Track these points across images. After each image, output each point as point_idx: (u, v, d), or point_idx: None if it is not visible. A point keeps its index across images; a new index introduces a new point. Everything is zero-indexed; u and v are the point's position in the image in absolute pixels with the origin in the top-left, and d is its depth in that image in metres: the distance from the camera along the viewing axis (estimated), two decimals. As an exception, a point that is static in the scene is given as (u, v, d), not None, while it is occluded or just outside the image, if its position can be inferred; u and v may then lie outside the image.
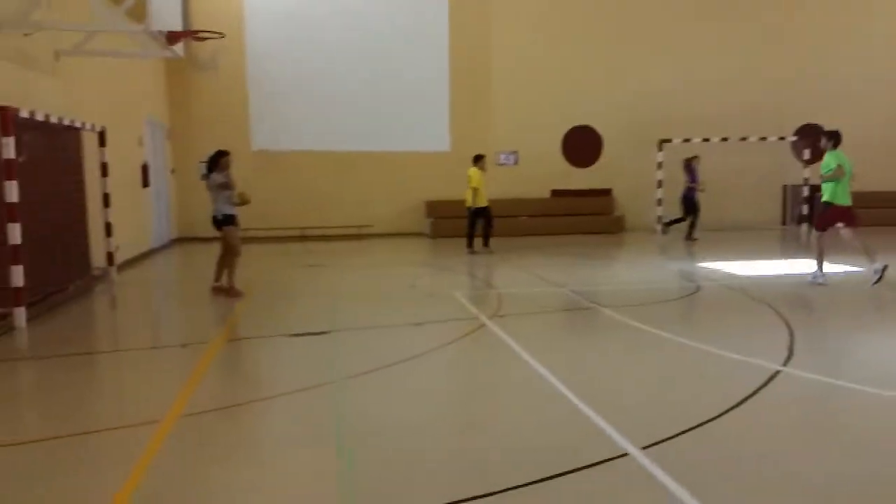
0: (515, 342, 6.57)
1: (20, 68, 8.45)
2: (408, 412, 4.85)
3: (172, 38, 9.88)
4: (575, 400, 4.95)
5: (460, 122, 18.01)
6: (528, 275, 11.02)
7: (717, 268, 11.43)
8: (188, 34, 10.52)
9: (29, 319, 7.71)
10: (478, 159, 13.74)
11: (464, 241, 13.77)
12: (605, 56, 18.41)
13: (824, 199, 9.54)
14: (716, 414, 4.63)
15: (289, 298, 9.22)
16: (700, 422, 4.49)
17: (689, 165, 15.35)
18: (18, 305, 7.54)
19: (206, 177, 9.24)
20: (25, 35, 8.44)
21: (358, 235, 17.31)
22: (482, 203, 13.52)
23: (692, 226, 15.40)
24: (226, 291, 9.27)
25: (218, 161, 9.15)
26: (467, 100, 17.99)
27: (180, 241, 16.64)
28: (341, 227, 17.32)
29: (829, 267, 9.88)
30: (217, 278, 9.44)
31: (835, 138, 9.48)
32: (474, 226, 13.64)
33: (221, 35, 11.02)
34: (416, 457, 4.11)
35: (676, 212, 15.92)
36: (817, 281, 9.51)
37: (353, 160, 17.55)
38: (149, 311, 9.37)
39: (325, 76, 17.20)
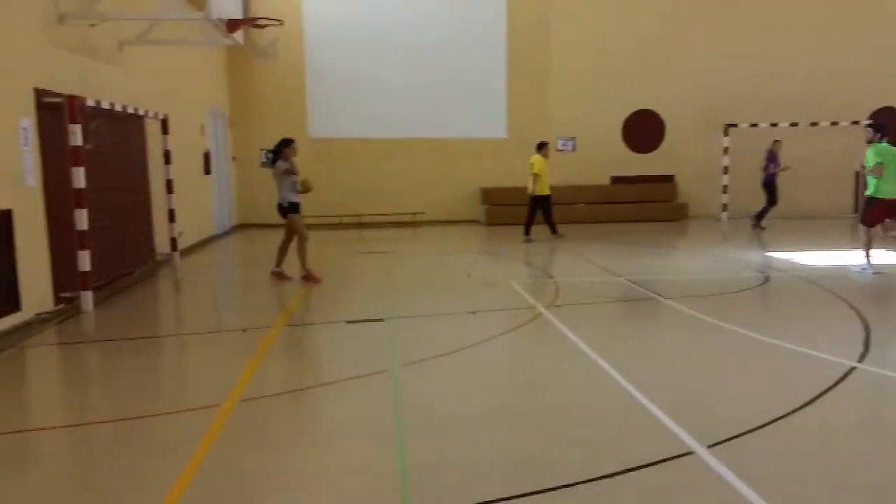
0: (573, 333, 6.41)
1: (86, 59, 8.67)
2: (463, 402, 4.77)
3: (232, 25, 9.99)
4: (636, 394, 4.78)
5: (517, 108, 17.76)
6: (586, 263, 10.79)
7: (786, 257, 10.96)
8: (247, 22, 10.62)
9: (96, 303, 7.94)
10: (541, 146, 13.55)
11: (519, 228, 13.59)
12: (668, 38, 17.84)
13: (868, 193, 9.40)
14: (785, 412, 4.40)
15: (344, 285, 9.26)
16: (768, 420, 4.27)
17: (772, 150, 14.78)
18: (85, 289, 7.77)
19: (270, 164, 9.34)
20: (91, 26, 8.64)
21: (412, 223, 17.31)
22: (544, 191, 13.32)
23: (762, 214, 14.83)
24: (280, 275, 9.42)
25: (283, 149, 9.23)
26: (525, 85, 17.71)
27: (241, 227, 16.96)
28: (396, 214, 17.34)
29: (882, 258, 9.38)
30: (278, 263, 9.54)
31: (881, 130, 9.24)
32: (535, 214, 13.44)
33: (280, 22, 11.09)
34: (472, 448, 4.03)
35: (746, 200, 15.34)
36: (866, 273, 9.27)
37: (409, 147, 17.53)
38: (210, 295, 9.56)
39: (381, 63, 17.19)
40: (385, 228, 16.64)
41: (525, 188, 13.56)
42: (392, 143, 17.43)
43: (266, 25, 11.13)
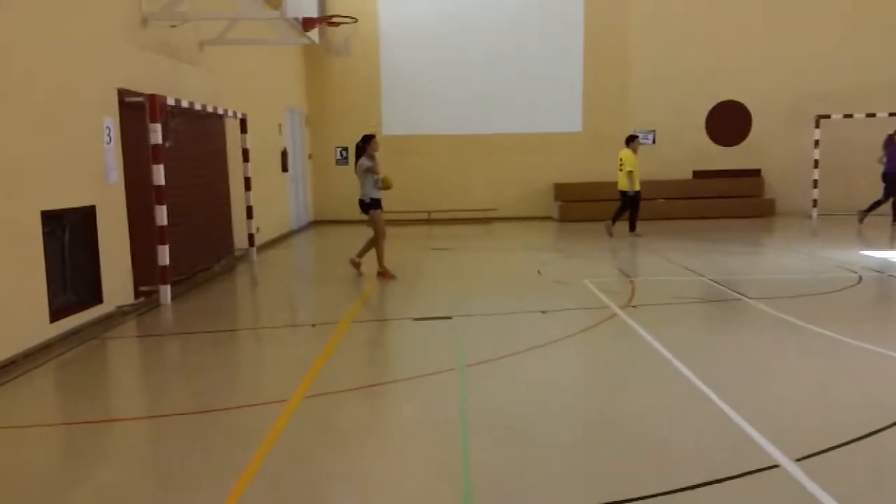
0: (650, 335, 6.12)
1: (168, 59, 8.92)
2: (533, 405, 4.59)
3: (308, 24, 10.10)
4: (718, 401, 4.49)
5: (593, 100, 17.32)
6: (665, 262, 10.36)
7: (883, 256, 10.21)
8: (322, 20, 10.71)
9: (174, 297, 8.17)
10: (631, 140, 13.20)
11: (594, 224, 13.23)
12: (753, 25, 17.01)
13: None
14: (882, 425, 4.02)
15: (413, 282, 9.20)
16: (863, 434, 3.91)
17: (892, 141, 13.85)
18: (164, 283, 8.00)
19: (355, 160, 9.33)
20: (172, 27, 8.90)
21: (484, 219, 17.15)
22: (637, 187, 12.97)
23: (873, 207, 13.92)
24: (357, 265, 9.47)
25: (366, 145, 9.25)
26: (602, 76, 17.25)
27: (317, 223, 17.25)
28: (467, 210, 17.23)
29: None
30: (361, 254, 9.54)
31: None
32: (624, 210, 13.09)
33: (355, 20, 11.16)
34: (540, 455, 3.85)
35: (838, 195, 14.45)
36: None
37: (480, 143, 17.38)
38: (283, 290, 9.69)
39: (454, 58, 17.10)
40: (456, 225, 16.55)
41: (615, 183, 13.18)
42: (464, 138, 17.33)
43: (340, 23, 11.23)
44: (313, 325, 6.94)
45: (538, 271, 9.72)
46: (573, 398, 4.84)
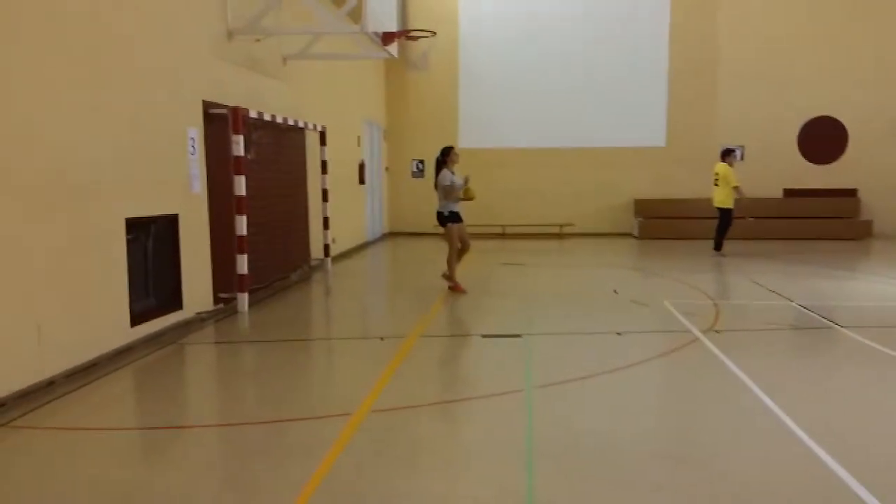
0: (734, 363, 5.77)
1: (251, 72, 9.17)
2: (604, 433, 4.37)
3: (387, 38, 10.20)
4: (805, 438, 4.15)
5: (679, 114, 16.80)
6: (752, 284, 9.85)
7: None
8: (402, 34, 10.80)
9: (251, 304, 8.33)
10: (727, 154, 12.75)
11: (676, 242, 12.77)
12: (849, 35, 16.10)
13: None
14: None
15: (484, 298, 9.06)
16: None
17: None
18: (242, 291, 8.16)
19: (435, 173, 9.27)
20: (256, 41, 9.14)
21: (559, 234, 16.84)
22: (728, 203, 12.59)
23: None
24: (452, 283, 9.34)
25: (445, 158, 9.23)
26: (688, 89, 16.71)
27: (391, 234, 17.39)
28: (542, 225, 16.97)
29: None
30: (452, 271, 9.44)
31: None
32: (729, 226, 12.69)
33: (433, 34, 11.21)
34: (609, 489, 3.64)
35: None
36: None
37: (559, 157, 17.12)
38: (355, 301, 9.75)
39: (533, 71, 16.96)
40: (530, 240, 16.32)
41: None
42: (542, 152, 17.12)
43: (419, 37, 11.29)
44: (382, 339, 6.91)
45: (614, 290, 9.40)
46: (646, 429, 4.57)
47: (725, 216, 12.66)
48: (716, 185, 12.73)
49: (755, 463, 3.95)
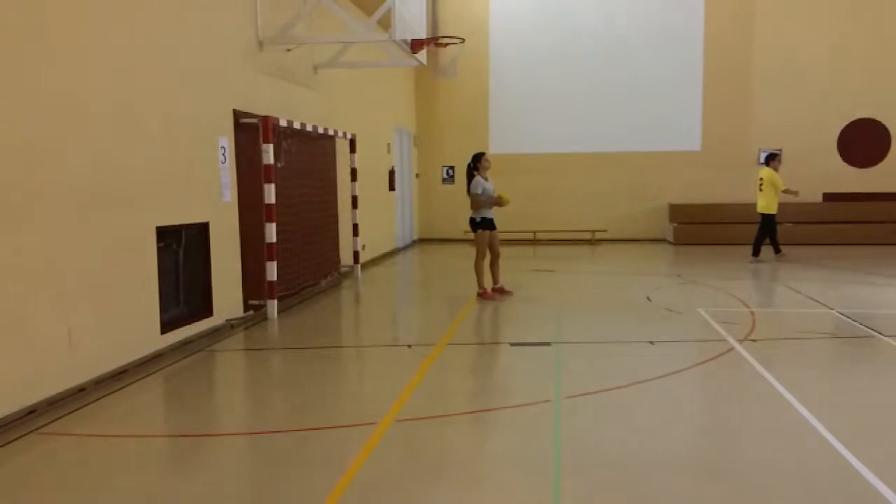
0: (770, 373, 5.59)
1: (282, 82, 9.23)
2: (634, 446, 4.25)
3: (416, 45, 10.16)
4: (846, 454, 3.98)
5: (714, 117, 16.49)
6: (790, 291, 9.58)
7: None
8: (430, 41, 10.77)
9: (281, 311, 8.36)
10: (771, 158, 12.57)
11: (713, 248, 12.51)
12: (892, 35, 15.63)
13: None
14: None
15: (513, 305, 8.95)
16: None
17: None
18: (271, 298, 8.20)
19: (467, 181, 9.20)
20: (287, 50, 9.20)
21: (591, 240, 16.64)
22: (773, 210, 12.39)
23: None
24: (500, 291, 9.28)
25: (477, 164, 9.16)
26: (723, 91, 16.39)
27: (421, 241, 17.37)
28: (574, 230, 16.78)
29: None
30: (496, 280, 9.37)
31: None
32: (772, 232, 12.52)
33: (462, 40, 11.18)
34: (640, 499, 3.53)
35: None
36: None
37: (591, 162, 16.93)
38: (384, 308, 9.73)
39: (564, 76, 16.80)
40: (562, 246, 16.15)
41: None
42: (574, 157, 16.95)
43: (448, 44, 11.27)
44: (409, 346, 6.86)
45: (647, 297, 9.23)
46: (679, 443, 4.42)
47: (767, 222, 12.42)
48: (760, 190, 12.49)
49: (792, 480, 3.79)
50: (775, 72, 16.18)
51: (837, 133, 16.20)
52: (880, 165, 16.07)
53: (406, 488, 3.73)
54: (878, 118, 15.98)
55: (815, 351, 6.76)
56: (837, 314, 7.99)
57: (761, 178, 12.48)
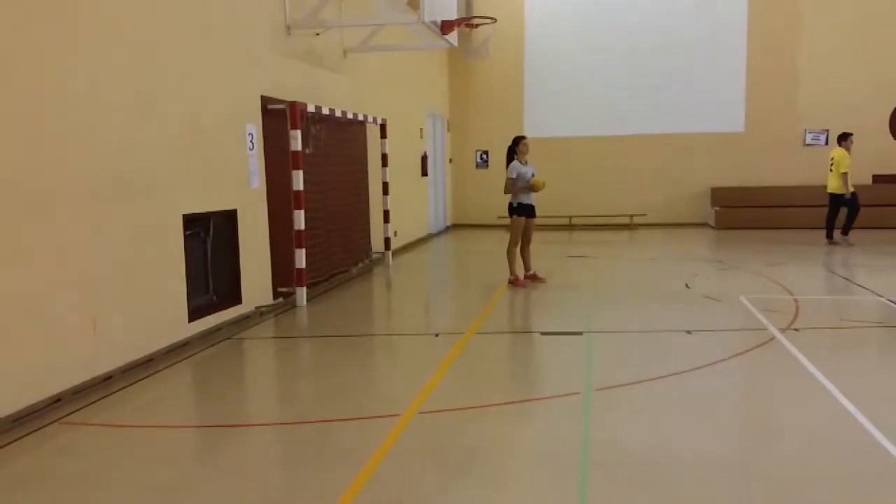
0: (814, 364, 5.31)
1: (311, 66, 9.13)
2: (667, 443, 4.05)
3: (446, 26, 9.98)
4: (893, 451, 3.73)
5: (758, 96, 15.89)
6: (836, 277, 9.19)
7: None
8: (460, 22, 10.56)
9: (310, 298, 8.32)
10: (843, 138, 12.25)
11: (754, 232, 12.11)
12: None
13: None
14: None
15: (546, 292, 8.74)
16: None
17: None
18: (300, 285, 8.15)
19: (507, 164, 9.01)
20: (316, 34, 9.09)
21: (630, 225, 16.26)
22: (843, 189, 12.06)
23: None
24: (534, 277, 9.12)
25: (515, 148, 8.96)
26: (768, 70, 15.77)
27: (455, 227, 17.21)
28: (612, 215, 16.41)
29: None
30: (527, 267, 9.21)
31: None
32: (837, 214, 12.28)
33: (493, 20, 10.91)
34: (672, 499, 3.35)
35: None
36: None
37: (629, 144, 16.49)
38: (414, 296, 9.63)
39: (601, 55, 16.35)
40: (599, 231, 15.82)
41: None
42: (612, 140, 16.53)
43: (480, 24, 11.03)
44: (437, 335, 6.73)
45: (686, 284, 8.93)
46: (714, 440, 4.19)
47: (836, 203, 12.19)
48: (831, 170, 12.23)
49: (833, 473, 3.57)
50: (822, 49, 15.52)
51: (889, 112, 15.48)
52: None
53: (424, 485, 3.62)
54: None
55: (861, 341, 6.44)
56: (887, 302, 7.61)
57: (832, 158, 12.18)
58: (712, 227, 15.70)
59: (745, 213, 15.44)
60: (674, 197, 16.51)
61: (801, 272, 9.76)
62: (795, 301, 7.79)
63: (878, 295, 7.97)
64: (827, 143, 15.67)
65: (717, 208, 15.79)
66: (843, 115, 15.44)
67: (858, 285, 8.55)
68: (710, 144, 16.20)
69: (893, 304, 7.45)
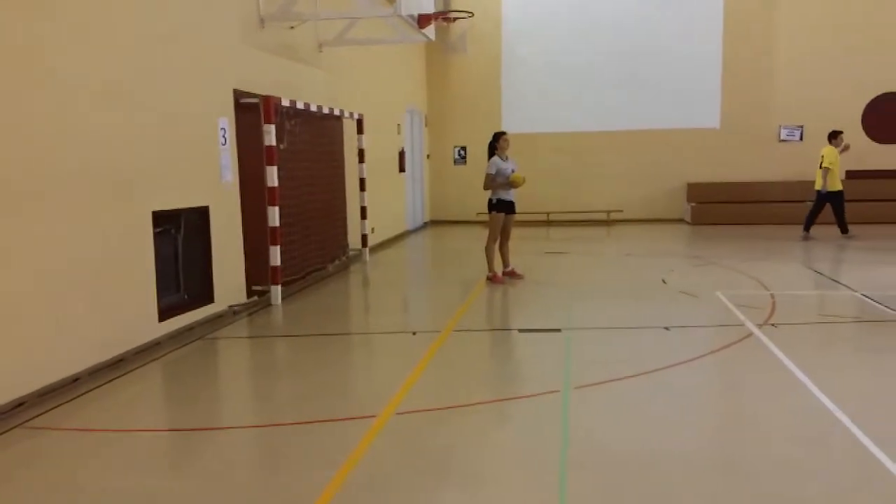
0: (791, 360, 5.31)
1: (285, 60, 8.97)
2: (646, 441, 4.00)
3: (423, 20, 9.85)
4: (871, 447, 3.73)
5: (734, 93, 15.99)
6: (811, 273, 9.25)
7: None
8: (437, 16, 10.45)
9: (285, 297, 8.17)
10: (834, 136, 12.35)
11: (731, 228, 12.18)
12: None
13: None
14: None
15: (523, 289, 8.68)
16: None
17: None
18: (275, 284, 8.01)
19: (489, 159, 8.92)
20: (291, 28, 8.93)
21: (607, 221, 16.29)
22: (837, 186, 12.17)
23: None
24: (510, 274, 9.05)
25: (496, 143, 8.88)
26: (744, 67, 15.87)
27: (433, 223, 17.12)
28: (589, 211, 16.42)
29: None
30: (506, 264, 9.14)
31: None
32: (820, 211, 12.38)
33: (471, 14, 10.82)
34: (651, 499, 3.30)
35: None
36: None
37: (606, 140, 16.51)
38: (391, 293, 9.51)
39: (579, 51, 16.33)
40: (576, 227, 15.83)
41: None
42: (588, 136, 16.55)
43: (457, 19, 10.93)
44: (414, 333, 6.64)
45: (663, 280, 8.93)
46: (696, 439, 4.16)
47: (837, 199, 12.30)
48: (819, 168, 12.34)
49: (812, 471, 3.55)
50: (797, 46, 15.65)
51: (862, 109, 15.67)
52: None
53: (402, 488, 3.53)
54: (905, 92, 15.43)
55: (839, 336, 6.47)
56: (862, 297, 7.66)
57: (822, 156, 12.29)
58: (688, 223, 15.78)
59: (720, 208, 15.54)
60: (650, 193, 16.56)
61: (777, 268, 9.82)
62: (772, 297, 7.81)
63: (853, 290, 8.03)
64: (802, 139, 15.84)
65: (692, 204, 15.87)
66: (816, 112, 15.62)
67: (834, 280, 8.61)
68: (686, 140, 16.28)
69: (869, 300, 7.51)
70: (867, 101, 15.63)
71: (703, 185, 16.09)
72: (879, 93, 15.54)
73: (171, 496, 3.52)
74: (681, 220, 16.27)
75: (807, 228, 12.43)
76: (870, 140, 15.64)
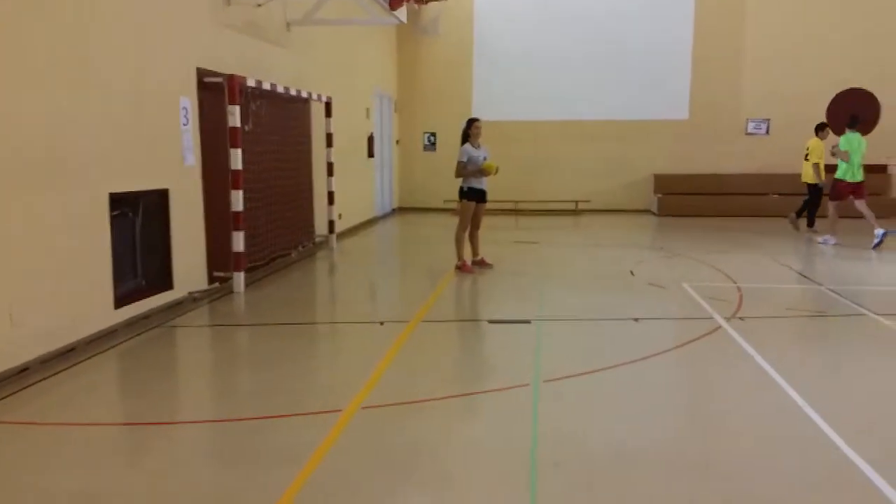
0: (759, 354, 5.31)
1: (252, 39, 8.69)
2: (617, 436, 3.94)
3: (394, 2, 9.65)
4: (837, 440, 3.74)
5: (703, 84, 16.05)
6: (778, 266, 9.31)
7: None
8: (409, -2, 10.24)
9: (249, 284, 7.95)
10: (820, 128, 12.49)
11: (695, 220, 12.24)
12: (886, 1, 15.23)
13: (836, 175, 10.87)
14: None
15: (493, 279, 8.59)
16: None
17: None
18: (238, 270, 7.78)
19: (461, 146, 8.76)
20: (258, 6, 8.64)
21: (574, 211, 16.29)
22: (822, 178, 12.31)
23: None
24: (480, 264, 8.94)
25: (468, 130, 8.72)
26: (713, 58, 15.94)
27: (402, 210, 16.93)
28: (557, 201, 16.40)
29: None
30: (475, 253, 9.03)
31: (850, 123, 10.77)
32: (818, 204, 12.43)
33: (444, -2, 10.67)
34: (622, 498, 3.23)
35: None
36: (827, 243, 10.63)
37: (575, 130, 16.48)
38: (358, 281, 9.34)
39: (550, 40, 16.24)
40: (544, 216, 15.79)
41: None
42: (557, 125, 16.49)
43: (429, 1, 10.73)
44: (381, 323, 6.50)
45: (631, 271, 8.91)
46: (663, 433, 4.10)
47: (815, 192, 12.40)
48: (806, 159, 12.46)
49: (780, 464, 3.52)
50: (765, 40, 15.76)
51: (827, 103, 15.84)
52: (868, 136, 15.75)
53: (367, 487, 3.40)
54: (871, 88, 15.62)
55: (805, 330, 6.51)
56: (827, 291, 7.74)
57: (807, 148, 12.43)
58: (655, 214, 15.85)
59: (686, 200, 15.65)
60: (618, 183, 16.59)
61: (743, 260, 9.88)
62: (739, 289, 7.84)
63: (818, 284, 8.10)
64: (768, 133, 15.99)
65: (659, 195, 15.95)
66: (783, 105, 15.78)
67: (799, 273, 8.69)
68: (654, 131, 16.32)
69: (834, 294, 7.57)
70: (832, 95, 15.80)
71: (669, 177, 16.17)
72: (846, 87, 15.72)
73: (117, 497, 3.33)
74: (648, 211, 16.35)
75: (811, 224, 12.51)
76: (835, 136, 15.82)
